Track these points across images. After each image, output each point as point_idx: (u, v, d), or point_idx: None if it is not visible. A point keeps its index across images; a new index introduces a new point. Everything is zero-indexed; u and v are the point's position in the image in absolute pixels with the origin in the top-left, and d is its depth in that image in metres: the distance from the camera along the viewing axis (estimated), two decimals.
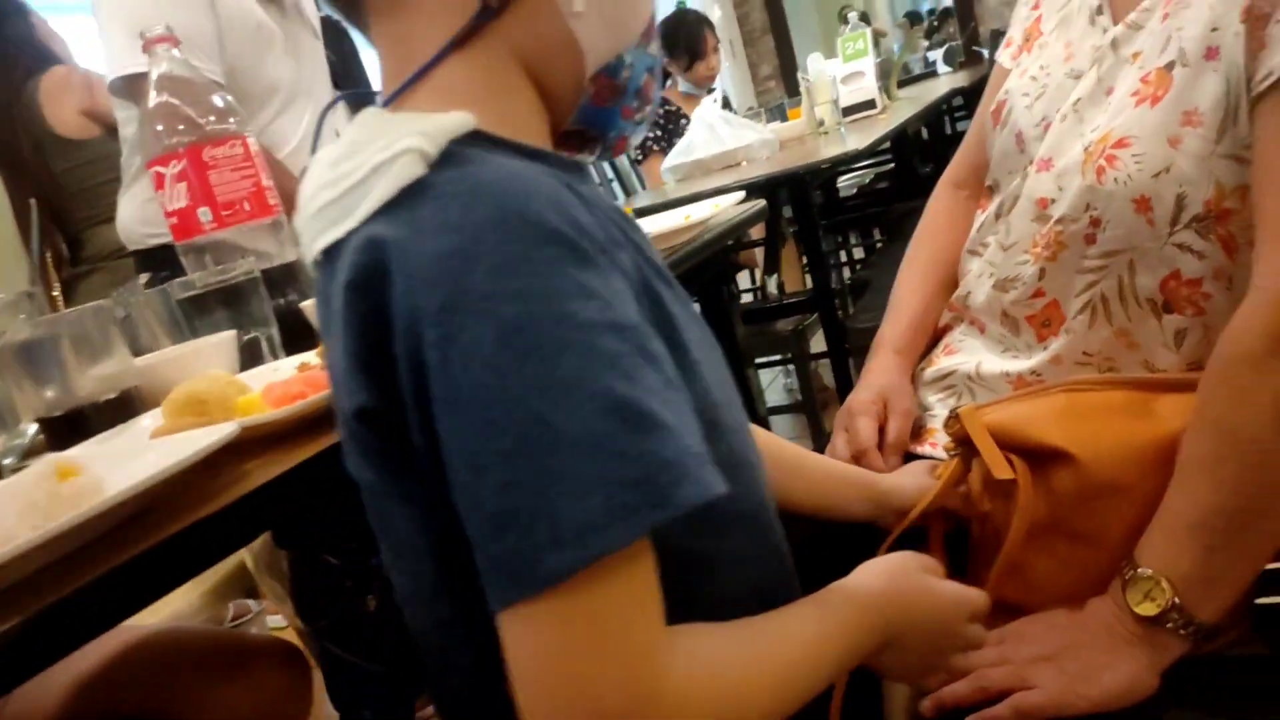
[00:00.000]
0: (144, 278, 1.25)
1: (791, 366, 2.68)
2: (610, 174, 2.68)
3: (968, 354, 0.93)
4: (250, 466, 0.60)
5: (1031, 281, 0.83)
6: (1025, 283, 0.83)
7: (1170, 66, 0.73)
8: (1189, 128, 0.71)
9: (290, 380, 0.67)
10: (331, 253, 0.45)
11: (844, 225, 3.43)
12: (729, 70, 4.94)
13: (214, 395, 0.70)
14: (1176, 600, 0.65)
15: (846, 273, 3.51)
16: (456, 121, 0.44)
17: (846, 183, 3.74)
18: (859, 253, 3.75)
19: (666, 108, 3.18)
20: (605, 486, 0.37)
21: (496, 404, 0.37)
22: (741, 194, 1.32)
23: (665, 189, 2.39)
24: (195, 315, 0.95)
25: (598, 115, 0.54)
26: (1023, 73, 0.91)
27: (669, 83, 3.37)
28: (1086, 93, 0.81)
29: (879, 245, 3.36)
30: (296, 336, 0.97)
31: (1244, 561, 0.66)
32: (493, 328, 0.38)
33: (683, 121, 2.91)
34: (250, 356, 0.93)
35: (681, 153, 2.43)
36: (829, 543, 0.78)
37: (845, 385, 2.06)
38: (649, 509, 0.37)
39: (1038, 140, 0.85)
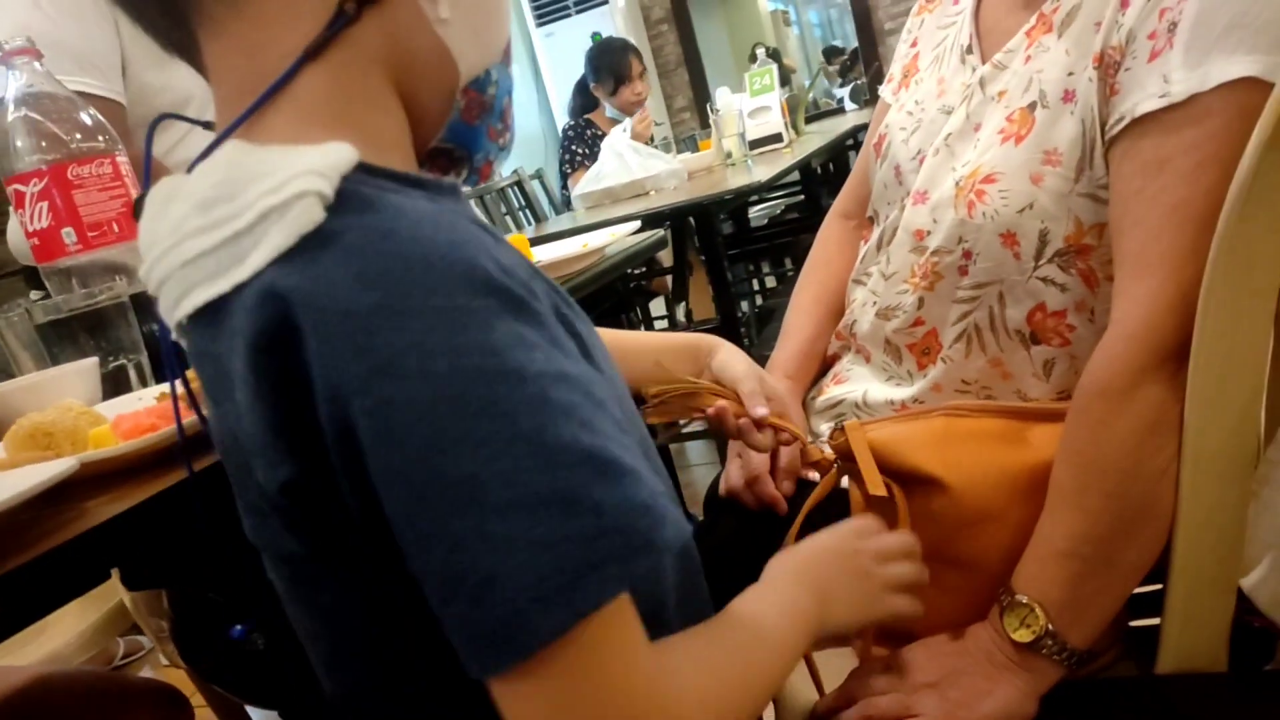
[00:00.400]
0: (35, 295, 1.18)
1: None
2: (520, 201, 2.66)
3: (855, 382, 0.94)
4: (93, 504, 0.56)
5: (911, 310, 0.84)
6: (906, 312, 0.85)
7: (1032, 107, 0.75)
8: (1049, 166, 0.73)
9: (141, 412, 0.63)
10: (213, 308, 0.40)
11: (756, 254, 3.48)
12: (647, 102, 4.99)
13: (62, 427, 0.65)
14: (1050, 626, 0.66)
15: (759, 300, 3.56)
16: (342, 156, 0.40)
17: (758, 212, 3.80)
18: (771, 281, 3.82)
19: (592, 130, 3.23)
20: (586, 541, 0.36)
21: (452, 469, 0.35)
22: (638, 223, 1.33)
23: (575, 215, 2.39)
24: (57, 341, 0.89)
25: (466, 133, 0.51)
26: (900, 107, 0.94)
27: (596, 108, 3.41)
28: (957, 128, 0.83)
29: (790, 274, 3.42)
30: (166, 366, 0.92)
31: (1112, 587, 0.68)
32: (434, 390, 0.35)
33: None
34: (115, 385, 0.88)
35: (591, 180, 2.44)
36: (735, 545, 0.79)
37: None
38: (636, 556, 0.37)
39: (914, 173, 0.88)
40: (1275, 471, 0.66)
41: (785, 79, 5.12)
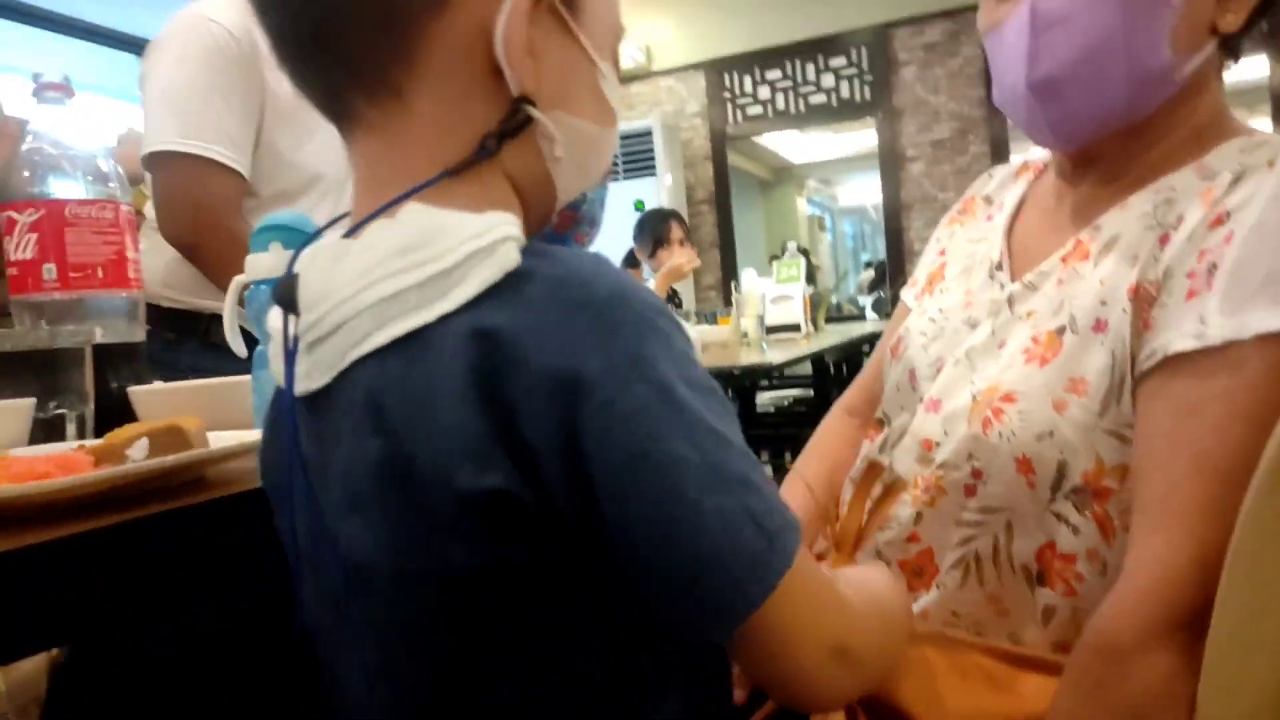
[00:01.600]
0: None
1: None
2: None
3: None
4: None
5: (907, 524, 0.77)
6: (902, 524, 0.78)
7: (1061, 331, 0.72)
8: (1074, 395, 0.69)
9: (39, 459, 0.57)
10: (410, 338, 0.44)
11: (758, 440, 3.44)
12: None
13: None
14: None
15: None
16: (515, 220, 0.46)
17: (766, 399, 3.79)
18: (768, 471, 3.74)
19: None
20: (769, 512, 0.44)
21: (681, 442, 0.41)
22: None
23: None
24: (5, 376, 0.84)
25: (555, 238, 0.59)
26: (922, 313, 0.91)
27: (636, 268, 3.52)
28: (980, 342, 0.79)
29: (788, 468, 3.35)
30: (117, 421, 0.86)
31: None
32: (646, 391, 0.41)
33: None
34: (48, 432, 0.81)
35: None
36: None
37: None
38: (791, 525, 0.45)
39: (930, 380, 0.83)
40: None
41: (811, 277, 5.29)
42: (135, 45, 4.77)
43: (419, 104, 0.48)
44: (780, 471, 3.54)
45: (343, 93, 0.49)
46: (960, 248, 0.93)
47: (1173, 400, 0.64)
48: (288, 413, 0.50)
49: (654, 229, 3.38)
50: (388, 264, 0.45)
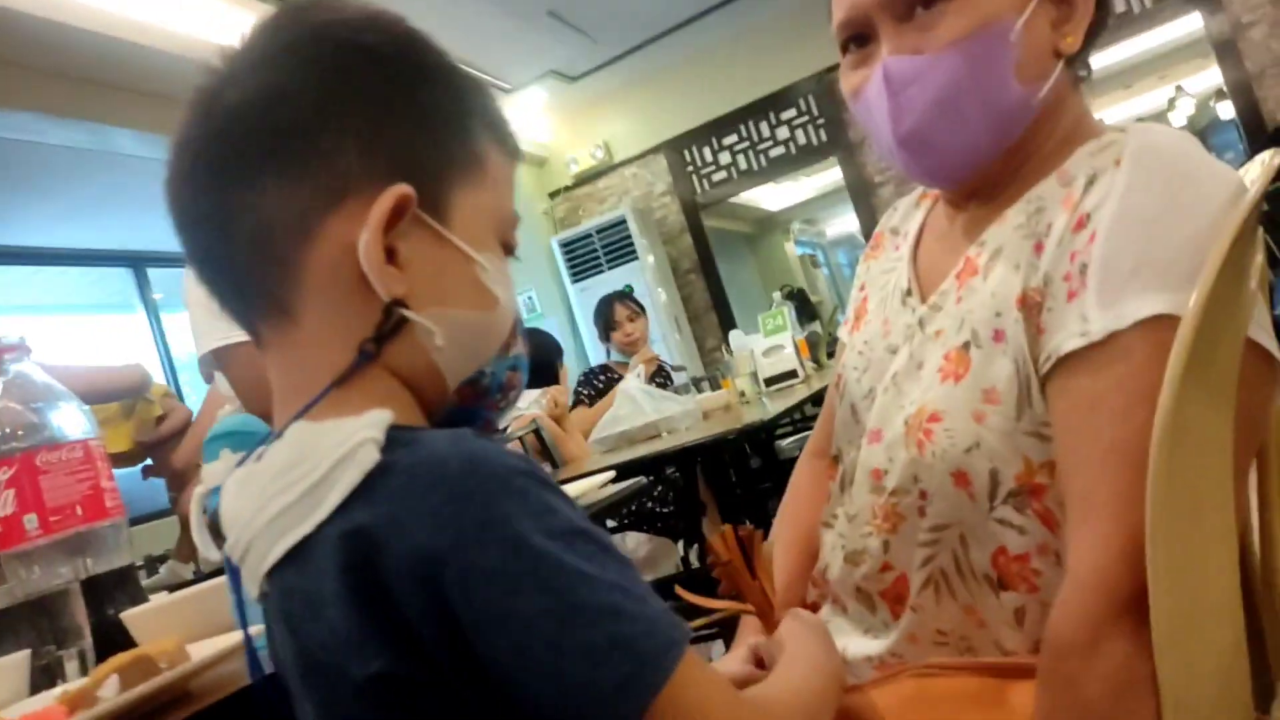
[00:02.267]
0: None
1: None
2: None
3: (835, 636, 0.88)
4: None
5: (878, 555, 0.80)
6: (873, 556, 0.81)
7: (966, 346, 0.75)
8: (990, 405, 0.72)
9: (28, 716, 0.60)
10: (299, 549, 0.48)
11: (783, 484, 3.40)
12: (678, 344, 5.16)
13: None
14: None
15: None
16: (384, 416, 0.50)
17: (790, 443, 3.77)
18: None
19: (609, 375, 3.42)
20: (658, 614, 0.47)
21: (535, 594, 0.44)
22: (611, 474, 1.31)
23: (586, 461, 2.39)
24: (2, 629, 0.88)
25: (463, 414, 0.59)
26: (853, 348, 0.95)
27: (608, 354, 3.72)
28: (902, 367, 0.83)
29: None
30: (116, 648, 0.90)
31: None
32: (502, 547, 0.44)
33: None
34: (49, 676, 0.86)
35: (608, 425, 2.46)
36: None
37: None
38: (679, 630, 0.47)
39: (868, 411, 0.86)
40: None
41: (814, 315, 5.30)
42: (126, 260, 4.98)
43: (305, 319, 0.53)
44: None
45: (244, 315, 0.55)
46: (876, 280, 0.97)
47: (1075, 397, 0.66)
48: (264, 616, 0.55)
49: (601, 316, 3.61)
50: (275, 483, 0.49)
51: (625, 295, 3.59)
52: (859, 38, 0.81)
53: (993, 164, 0.79)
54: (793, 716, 0.56)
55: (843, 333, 1.03)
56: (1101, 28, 0.80)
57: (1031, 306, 0.70)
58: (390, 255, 0.52)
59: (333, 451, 0.48)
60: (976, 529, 0.73)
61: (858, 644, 0.84)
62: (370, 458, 0.47)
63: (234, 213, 0.52)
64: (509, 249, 0.60)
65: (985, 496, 0.72)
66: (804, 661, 0.63)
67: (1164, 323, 0.62)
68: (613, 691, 0.44)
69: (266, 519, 0.49)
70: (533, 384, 3.43)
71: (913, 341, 0.83)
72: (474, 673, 0.45)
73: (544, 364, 3.51)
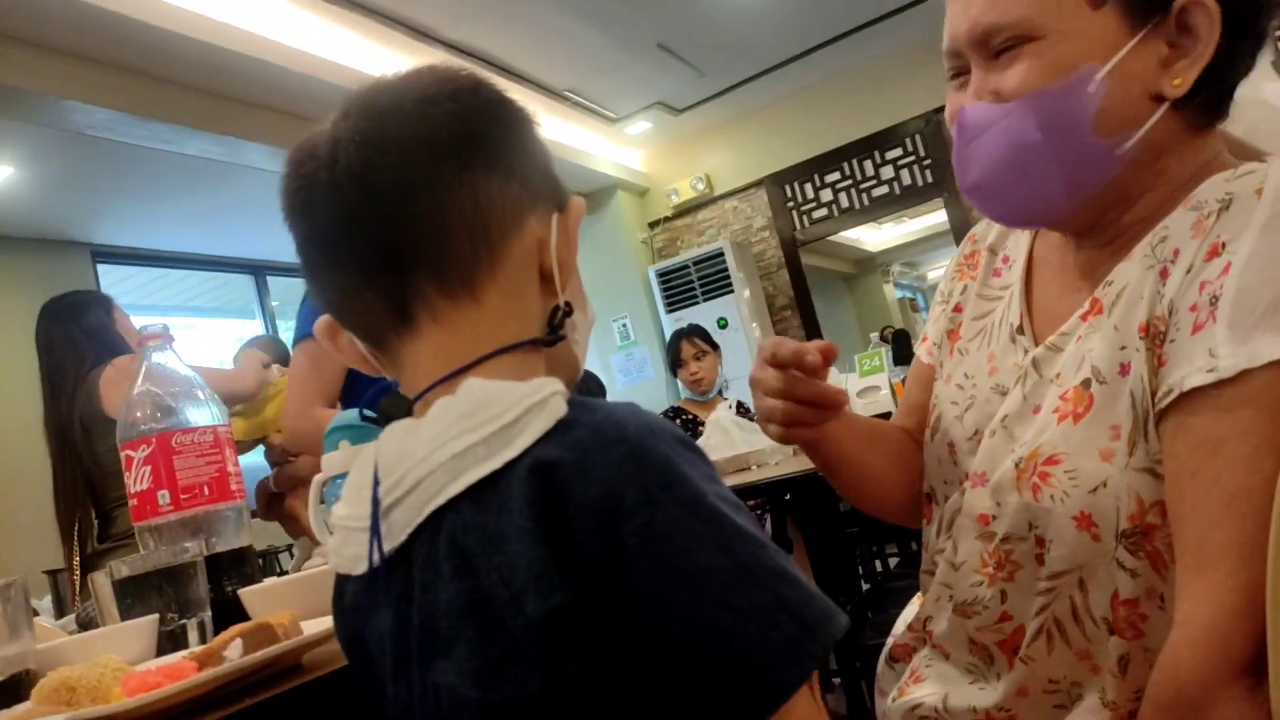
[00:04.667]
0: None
1: None
2: None
3: (934, 683, 0.86)
4: None
5: (996, 606, 0.78)
6: (989, 607, 0.79)
7: (1087, 384, 0.73)
8: (1116, 442, 0.70)
9: (150, 671, 0.65)
10: (482, 485, 0.51)
11: (877, 531, 3.34)
12: None
13: (86, 683, 0.67)
14: None
15: (879, 580, 3.35)
16: (556, 382, 0.55)
17: None
18: (894, 561, 3.62)
19: (683, 417, 3.48)
20: (805, 602, 0.48)
21: (712, 551, 0.47)
22: None
23: None
24: (130, 596, 0.95)
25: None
26: (948, 379, 0.92)
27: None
28: (1014, 410, 0.80)
29: (915, 552, 3.24)
30: (232, 619, 0.95)
31: None
32: (680, 508, 0.48)
33: (700, 427, 3.01)
34: (173, 642, 0.91)
35: None
36: None
37: (858, 710, 1.90)
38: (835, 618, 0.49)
39: (970, 454, 0.84)
40: None
41: (910, 358, 5.19)
42: (248, 268, 5.26)
43: (489, 299, 0.58)
44: (907, 559, 3.42)
45: (421, 293, 0.58)
46: (974, 304, 0.94)
47: (1196, 438, 0.64)
48: (383, 584, 0.57)
49: (670, 352, 3.74)
50: (455, 427, 0.53)
51: (694, 332, 3.65)
52: (960, 68, 0.81)
53: (1086, 209, 0.77)
54: None
55: (920, 350, 1.00)
56: (1235, 64, 0.74)
57: (1154, 336, 0.68)
58: None
59: (524, 400, 0.52)
60: (1098, 571, 0.71)
61: (961, 693, 0.82)
62: (560, 408, 0.52)
63: (453, 194, 0.57)
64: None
65: (1112, 537, 0.70)
66: None
67: None
68: (782, 652, 0.46)
69: (447, 455, 0.52)
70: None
71: (1025, 384, 0.80)
72: (636, 629, 0.48)
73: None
